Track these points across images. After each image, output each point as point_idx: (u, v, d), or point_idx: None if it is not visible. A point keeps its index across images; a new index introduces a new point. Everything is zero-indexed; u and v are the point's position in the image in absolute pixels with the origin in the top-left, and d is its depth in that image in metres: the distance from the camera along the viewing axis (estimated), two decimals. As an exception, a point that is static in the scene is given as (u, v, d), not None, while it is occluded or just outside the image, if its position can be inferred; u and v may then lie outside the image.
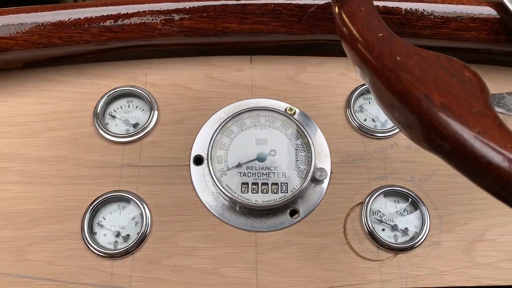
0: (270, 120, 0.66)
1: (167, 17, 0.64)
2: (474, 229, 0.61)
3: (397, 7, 0.64)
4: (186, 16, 0.64)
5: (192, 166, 0.64)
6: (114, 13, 0.63)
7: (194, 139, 0.65)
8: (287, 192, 0.61)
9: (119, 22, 0.63)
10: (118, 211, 0.62)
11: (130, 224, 0.61)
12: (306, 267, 0.59)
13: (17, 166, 0.63)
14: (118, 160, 0.64)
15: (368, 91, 0.69)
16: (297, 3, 0.64)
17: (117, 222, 0.61)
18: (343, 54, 0.71)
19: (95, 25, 0.63)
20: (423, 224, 0.61)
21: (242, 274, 0.59)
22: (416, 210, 0.62)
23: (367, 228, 0.60)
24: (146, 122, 0.65)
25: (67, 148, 0.65)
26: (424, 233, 0.60)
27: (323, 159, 0.65)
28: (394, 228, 0.61)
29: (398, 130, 0.66)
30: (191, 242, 0.60)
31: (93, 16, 0.63)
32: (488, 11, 0.64)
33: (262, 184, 0.62)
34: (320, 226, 0.61)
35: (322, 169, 0.62)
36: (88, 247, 0.59)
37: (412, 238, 0.60)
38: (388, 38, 0.41)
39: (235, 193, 0.61)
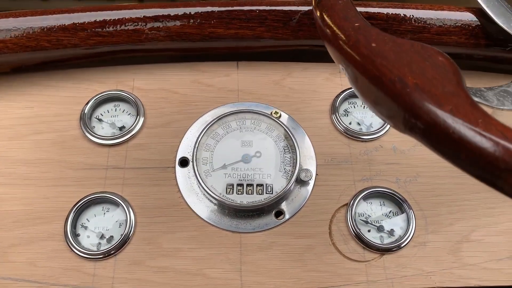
0: (255, 122, 0.66)
1: (154, 22, 0.65)
2: (460, 229, 0.61)
3: (379, 12, 0.66)
4: (173, 21, 0.65)
5: (178, 168, 0.64)
6: (102, 18, 0.64)
7: (180, 142, 0.66)
8: (272, 193, 0.61)
9: (107, 26, 0.64)
10: (102, 213, 0.61)
11: (114, 226, 0.60)
12: (291, 268, 0.59)
13: (2, 168, 0.63)
14: (104, 162, 0.64)
15: (353, 96, 0.70)
16: (282, 9, 0.66)
17: (101, 224, 0.61)
18: (328, 61, 0.73)
19: (83, 29, 0.64)
20: (408, 225, 0.61)
21: (226, 275, 0.58)
22: (401, 211, 0.62)
23: (352, 229, 0.60)
24: (132, 125, 0.66)
25: (53, 151, 0.65)
26: (410, 234, 0.60)
27: (309, 161, 0.65)
28: (380, 229, 0.61)
29: (383, 133, 0.67)
30: (175, 243, 0.60)
31: (82, 21, 0.64)
32: (467, 16, 0.66)
33: (247, 185, 0.62)
34: (305, 227, 0.61)
35: (307, 170, 0.62)
36: (71, 249, 0.58)
37: (398, 239, 0.60)
38: (364, 27, 0.42)
39: (220, 194, 0.61)
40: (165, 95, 0.69)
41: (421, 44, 0.40)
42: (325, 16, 0.46)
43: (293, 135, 0.64)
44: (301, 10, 0.66)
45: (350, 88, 0.70)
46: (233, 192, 0.62)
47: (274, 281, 0.58)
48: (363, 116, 0.69)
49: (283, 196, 0.61)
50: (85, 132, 0.65)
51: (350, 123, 0.68)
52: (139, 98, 0.68)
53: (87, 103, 0.67)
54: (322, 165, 0.65)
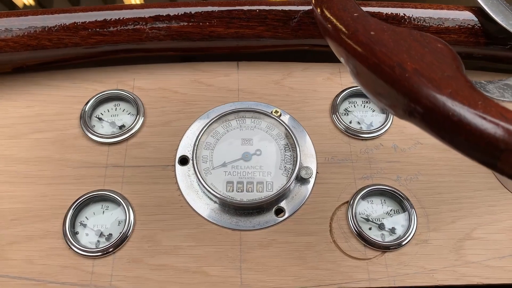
0: (255, 121, 0.66)
1: (154, 21, 0.65)
2: (462, 227, 0.60)
3: (379, 12, 0.66)
4: (174, 20, 0.66)
5: (177, 166, 0.64)
6: (103, 17, 0.65)
7: (180, 140, 0.66)
8: (272, 191, 0.61)
9: (108, 25, 0.64)
10: (101, 211, 0.61)
11: (113, 224, 0.60)
12: (291, 266, 0.58)
13: (2, 166, 0.63)
14: (103, 161, 0.64)
15: (353, 95, 0.70)
16: (281, 9, 0.66)
17: (100, 222, 0.60)
18: (328, 61, 0.73)
19: (84, 28, 0.64)
20: (410, 222, 0.60)
21: (226, 273, 0.57)
22: (402, 209, 0.61)
23: (353, 227, 0.59)
24: (132, 124, 0.66)
25: (53, 149, 0.64)
26: (411, 232, 0.59)
27: (309, 159, 0.65)
28: (381, 227, 0.60)
29: (383, 131, 0.66)
30: (175, 241, 0.59)
31: (83, 20, 0.64)
32: (467, 15, 0.66)
33: (248, 183, 0.62)
34: (305, 225, 0.60)
35: (307, 168, 0.62)
36: (69, 246, 0.58)
37: (399, 237, 0.59)
38: (363, 17, 0.42)
39: (220, 191, 0.60)
40: (166, 95, 0.69)
41: (420, 32, 0.40)
42: (324, 9, 0.46)
43: (293, 134, 0.64)
44: (301, 10, 0.66)
45: (351, 87, 0.70)
46: (233, 189, 0.61)
47: (274, 278, 0.57)
48: (364, 115, 0.69)
49: (283, 194, 0.61)
50: (85, 130, 0.65)
51: (350, 122, 0.68)
52: (140, 97, 0.68)
53: (88, 102, 0.67)
54: (323, 163, 0.65)
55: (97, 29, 0.65)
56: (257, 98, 0.69)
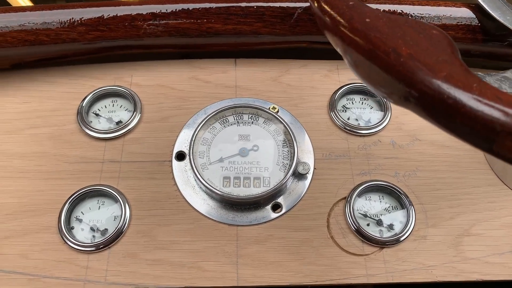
0: (253, 117, 0.66)
1: (152, 18, 0.65)
2: (461, 223, 0.60)
3: (376, 9, 0.66)
4: (171, 16, 0.66)
5: (174, 161, 0.63)
6: (100, 13, 0.65)
7: (177, 136, 0.65)
8: (269, 186, 0.61)
9: (106, 21, 0.65)
10: (97, 206, 0.61)
11: (108, 219, 0.60)
12: (288, 261, 0.57)
13: (-3, 161, 0.63)
14: (100, 156, 0.64)
15: (351, 92, 0.70)
16: (279, 5, 0.66)
17: (95, 217, 0.60)
18: (326, 58, 0.73)
19: (82, 24, 0.64)
20: (408, 218, 0.60)
21: (223, 268, 0.57)
22: (400, 205, 0.61)
23: (351, 223, 0.59)
24: (129, 119, 0.65)
25: (49, 144, 0.64)
26: (410, 227, 0.59)
27: (306, 155, 0.64)
28: (379, 223, 0.60)
29: (381, 127, 0.66)
30: (171, 236, 0.59)
31: (80, 16, 0.64)
32: (464, 11, 0.66)
33: (244, 178, 0.62)
34: (302, 221, 0.60)
35: (304, 163, 0.62)
36: (64, 241, 0.57)
37: (398, 233, 0.59)
38: (358, 5, 0.42)
39: (217, 187, 0.60)
40: (163, 91, 0.69)
41: (415, 19, 0.40)
42: (320, 0, 0.46)
43: (291, 129, 0.63)
44: (299, 7, 0.66)
45: (348, 84, 0.70)
46: (230, 185, 0.61)
47: (271, 274, 0.57)
48: (362, 112, 0.68)
49: (280, 189, 0.60)
50: (82, 126, 0.65)
51: (348, 119, 0.68)
52: (137, 93, 0.68)
53: (85, 98, 0.67)
54: (320, 159, 0.64)
55: (95, 25, 0.65)
56: (254, 94, 0.69)
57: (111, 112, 0.68)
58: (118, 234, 0.58)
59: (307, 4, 0.66)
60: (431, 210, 0.61)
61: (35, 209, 0.60)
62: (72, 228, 0.59)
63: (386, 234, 0.59)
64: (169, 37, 0.67)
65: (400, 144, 0.65)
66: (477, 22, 0.66)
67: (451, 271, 0.57)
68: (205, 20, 0.66)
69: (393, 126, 0.67)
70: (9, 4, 0.88)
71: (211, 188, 0.59)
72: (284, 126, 0.64)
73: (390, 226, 0.60)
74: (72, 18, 0.64)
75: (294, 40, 0.69)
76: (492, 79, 0.49)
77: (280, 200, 0.61)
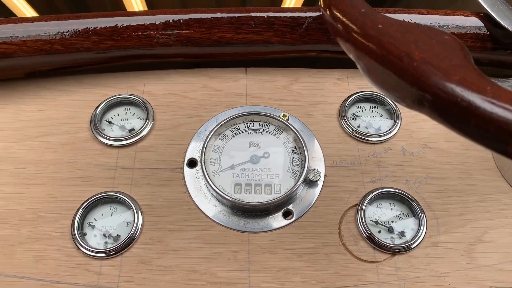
0: (264, 125, 0.66)
1: (165, 27, 0.66)
2: (472, 230, 0.60)
3: (388, 16, 0.67)
4: (183, 26, 0.67)
5: (186, 168, 0.64)
6: (114, 23, 0.66)
7: (189, 143, 0.66)
8: (280, 193, 0.61)
9: (119, 31, 0.66)
10: (110, 212, 0.61)
11: (121, 225, 0.60)
12: (300, 268, 0.57)
13: (11, 168, 0.64)
14: (113, 163, 0.64)
15: (361, 100, 0.70)
16: (289, 15, 0.67)
17: (108, 223, 0.60)
18: (336, 67, 0.73)
19: (96, 33, 0.65)
20: (420, 225, 0.60)
21: (234, 275, 0.57)
22: (411, 212, 0.61)
23: (363, 230, 0.59)
24: (142, 127, 0.66)
25: (63, 152, 0.65)
26: (421, 234, 0.59)
27: (317, 163, 0.65)
28: (390, 230, 0.60)
29: (391, 135, 0.67)
30: (183, 242, 0.59)
31: (95, 26, 0.66)
32: (473, 20, 0.67)
33: (256, 185, 0.62)
34: (314, 228, 0.60)
35: (315, 170, 0.62)
36: (77, 247, 0.58)
37: (409, 240, 0.59)
38: (370, 12, 0.42)
39: (228, 193, 0.60)
40: (175, 99, 0.70)
41: (427, 25, 0.40)
42: (332, 9, 0.47)
43: (301, 137, 0.64)
44: (309, 16, 0.67)
45: (358, 92, 0.70)
46: (241, 191, 0.61)
47: (282, 281, 0.57)
48: (372, 120, 0.69)
49: (291, 196, 0.61)
50: (95, 133, 0.66)
51: (358, 126, 0.68)
52: (149, 102, 0.69)
53: (98, 106, 0.68)
54: (331, 167, 0.65)
55: (109, 35, 0.66)
56: (265, 103, 0.70)
57: (124, 120, 0.68)
58: (131, 240, 0.58)
59: (317, 14, 0.67)
60: (442, 217, 0.61)
61: (49, 215, 0.60)
62: (85, 234, 0.59)
63: (398, 241, 0.59)
64: (181, 46, 0.68)
65: (410, 152, 0.66)
66: (486, 30, 0.66)
67: (463, 278, 0.57)
68: (216, 30, 0.67)
69: (403, 133, 0.67)
70: (13, 15, 0.89)
71: (223, 194, 0.59)
72: (295, 133, 0.64)
73: (402, 233, 0.60)
74: (87, 28, 0.65)
75: (304, 49, 0.70)
76: (504, 85, 0.50)
77: (291, 207, 0.61)
